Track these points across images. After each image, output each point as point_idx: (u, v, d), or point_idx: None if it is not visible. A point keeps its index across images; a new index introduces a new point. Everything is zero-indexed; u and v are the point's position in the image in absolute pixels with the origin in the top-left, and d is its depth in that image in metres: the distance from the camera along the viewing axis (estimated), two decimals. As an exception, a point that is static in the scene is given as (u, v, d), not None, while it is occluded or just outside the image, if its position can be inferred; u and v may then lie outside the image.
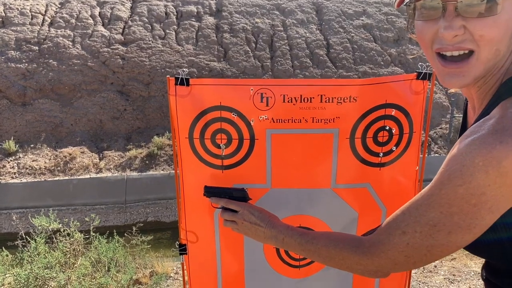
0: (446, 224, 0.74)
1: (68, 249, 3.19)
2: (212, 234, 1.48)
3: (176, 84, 1.33)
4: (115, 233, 3.65)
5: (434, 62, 0.80)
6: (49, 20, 13.24)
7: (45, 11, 13.47)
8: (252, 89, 1.33)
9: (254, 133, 1.37)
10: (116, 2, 14.09)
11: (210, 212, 1.44)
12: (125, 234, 4.67)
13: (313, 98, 1.33)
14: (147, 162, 10.91)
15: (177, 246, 1.52)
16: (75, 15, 13.46)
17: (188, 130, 1.37)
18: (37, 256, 3.01)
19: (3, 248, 3.83)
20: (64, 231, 3.34)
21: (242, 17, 14.45)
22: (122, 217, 9.93)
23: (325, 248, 0.96)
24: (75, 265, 3.12)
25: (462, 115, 1.00)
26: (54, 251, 3.14)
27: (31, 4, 13.40)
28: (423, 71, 1.37)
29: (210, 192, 1.32)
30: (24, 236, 3.40)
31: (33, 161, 10.73)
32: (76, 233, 3.31)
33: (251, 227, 1.18)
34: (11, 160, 10.67)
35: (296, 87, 1.33)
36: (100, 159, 11.01)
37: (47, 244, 3.23)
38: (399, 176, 1.45)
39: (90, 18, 13.50)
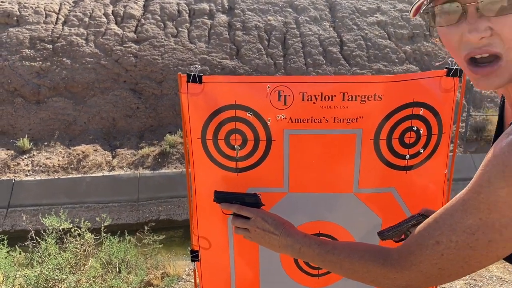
0: (486, 232, 0.66)
1: (79, 250, 3.14)
2: (225, 241, 1.40)
3: (188, 81, 1.25)
4: (126, 234, 3.59)
5: (464, 67, 0.74)
6: (62, 19, 13.33)
7: (59, 10, 13.56)
8: (269, 87, 1.24)
9: (270, 134, 1.28)
10: (129, 0, 14.13)
11: (223, 217, 1.36)
12: (137, 233, 4.63)
13: (335, 96, 1.23)
14: (159, 160, 10.91)
15: (189, 253, 1.44)
16: (89, 14, 13.52)
17: (200, 130, 1.29)
18: (47, 256, 2.97)
19: (16, 246, 3.80)
20: (75, 231, 3.30)
21: (254, 14, 14.35)
22: (134, 215, 9.94)
23: (347, 259, 0.88)
24: (86, 266, 3.07)
25: (490, 113, 0.91)
26: (65, 252, 3.09)
27: (45, 3, 13.50)
28: (454, 67, 1.27)
29: (221, 197, 1.24)
30: (34, 237, 3.37)
31: (46, 158, 10.81)
32: (86, 233, 3.26)
33: (264, 235, 1.11)
34: (25, 158, 10.77)
35: (317, 85, 1.24)
36: (113, 157, 11.05)
37: (57, 245, 3.18)
38: (426, 180, 1.35)
39: (103, 17, 13.54)
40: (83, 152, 11.03)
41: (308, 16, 14.57)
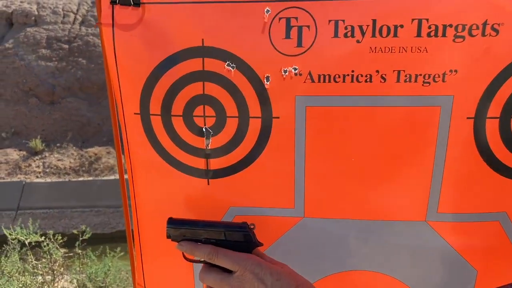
0: None
1: (41, 272, 2.55)
2: (191, 299, 0.79)
3: (113, 1, 0.65)
4: (107, 250, 3.00)
5: None
6: (80, 19, 13.27)
7: (77, 10, 13.52)
8: (268, 11, 0.63)
9: (271, 105, 0.67)
10: (147, 0, 13.95)
11: (186, 260, 0.75)
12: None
13: (401, 26, 0.61)
14: (173, 164, 10.55)
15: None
16: (106, 13, 13.41)
17: (139, 98, 0.68)
18: (5, 276, 2.40)
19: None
20: (46, 245, 2.71)
21: None
22: (146, 220, 9.66)
23: None
24: (54, 292, 2.50)
25: None
26: (24, 275, 2.51)
27: (63, 3, 13.46)
28: None
29: (179, 230, 0.64)
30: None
31: (58, 160, 10.61)
32: (57, 251, 2.67)
33: None
34: (36, 159, 10.61)
35: (364, 3, 0.62)
36: (126, 160, 10.82)
37: (21, 261, 2.60)
38: None
39: (121, 16, 13.38)
40: (96, 154, 10.81)
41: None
